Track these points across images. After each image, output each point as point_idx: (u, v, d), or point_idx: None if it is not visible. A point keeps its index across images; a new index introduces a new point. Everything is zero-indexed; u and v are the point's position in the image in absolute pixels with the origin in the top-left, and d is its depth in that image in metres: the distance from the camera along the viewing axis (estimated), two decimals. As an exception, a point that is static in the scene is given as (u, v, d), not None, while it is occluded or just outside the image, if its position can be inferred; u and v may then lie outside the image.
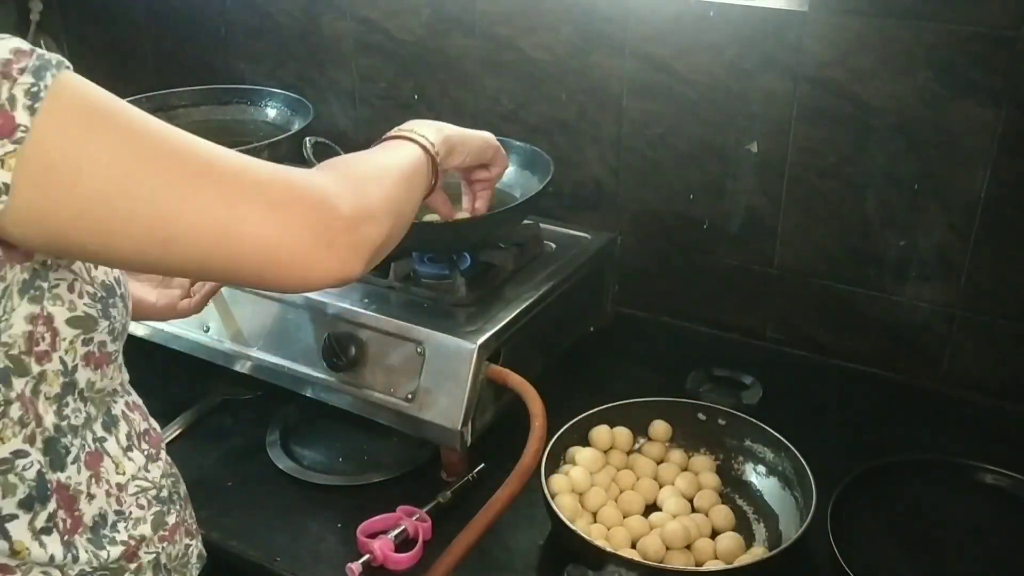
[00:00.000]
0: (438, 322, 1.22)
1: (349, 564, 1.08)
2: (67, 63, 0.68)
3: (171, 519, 0.91)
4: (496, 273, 1.33)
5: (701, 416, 1.25)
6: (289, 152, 1.57)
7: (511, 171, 1.46)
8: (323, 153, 1.48)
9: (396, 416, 1.22)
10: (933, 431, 1.31)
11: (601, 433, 1.22)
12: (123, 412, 0.87)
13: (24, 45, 0.66)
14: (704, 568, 1.06)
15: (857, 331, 1.44)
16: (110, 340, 0.80)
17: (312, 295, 1.28)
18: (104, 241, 0.67)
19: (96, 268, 0.79)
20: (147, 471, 0.88)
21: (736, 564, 1.05)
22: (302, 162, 1.49)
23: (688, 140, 1.45)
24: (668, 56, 1.41)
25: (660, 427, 1.25)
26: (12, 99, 0.63)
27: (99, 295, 0.78)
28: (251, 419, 1.35)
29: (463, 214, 1.37)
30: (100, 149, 0.66)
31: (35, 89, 0.64)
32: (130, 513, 0.85)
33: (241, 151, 1.60)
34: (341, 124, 1.77)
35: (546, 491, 1.10)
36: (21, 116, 0.63)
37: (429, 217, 1.38)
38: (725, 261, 1.50)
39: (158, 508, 0.89)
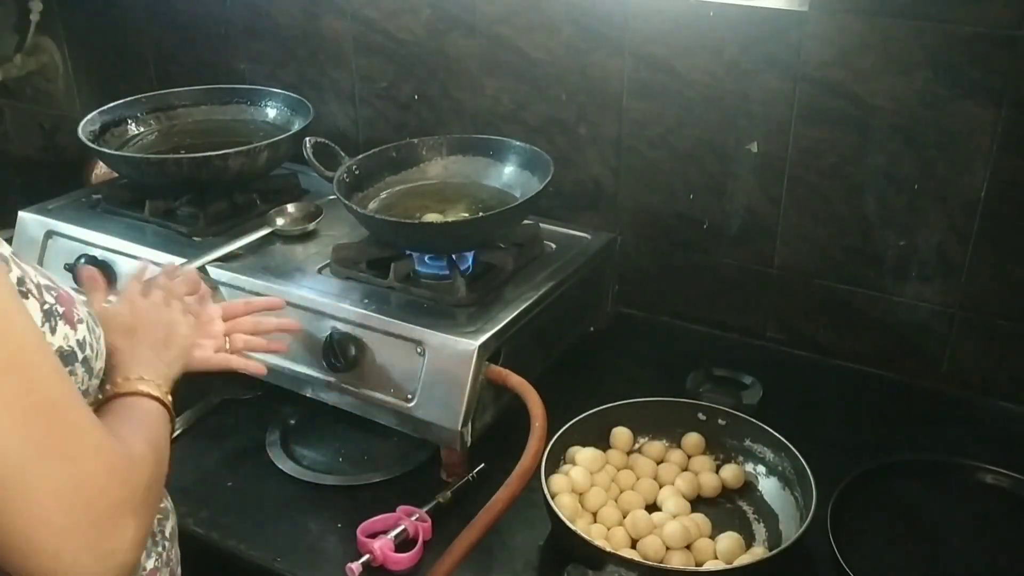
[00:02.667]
0: (438, 322, 1.22)
1: (349, 564, 1.08)
2: None
3: (149, 563, 0.87)
4: (496, 273, 1.33)
5: (701, 416, 1.25)
6: (289, 152, 1.58)
7: (511, 171, 1.46)
8: (323, 153, 1.48)
9: (396, 416, 1.22)
10: (933, 431, 1.31)
11: (619, 435, 1.23)
12: None
13: None
14: (704, 568, 1.06)
15: (857, 331, 1.44)
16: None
17: (313, 295, 1.28)
18: None
19: (53, 335, 0.75)
20: None
21: (736, 564, 1.05)
22: (302, 162, 1.50)
23: (688, 140, 1.45)
24: (668, 56, 1.41)
25: (692, 438, 1.24)
26: None
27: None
28: (251, 419, 1.35)
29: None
30: None
31: None
32: None
33: (241, 151, 1.60)
34: (341, 124, 1.77)
35: (546, 491, 1.10)
36: None
37: (429, 217, 1.38)
38: (725, 261, 1.50)
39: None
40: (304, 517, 1.19)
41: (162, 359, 0.95)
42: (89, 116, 1.62)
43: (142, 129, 1.69)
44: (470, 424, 1.18)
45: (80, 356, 0.78)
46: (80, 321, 0.78)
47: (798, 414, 1.32)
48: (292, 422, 1.35)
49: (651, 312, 1.59)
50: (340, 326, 1.24)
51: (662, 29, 1.40)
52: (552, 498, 1.10)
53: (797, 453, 1.14)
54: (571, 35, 1.47)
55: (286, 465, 1.26)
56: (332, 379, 1.25)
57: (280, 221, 1.49)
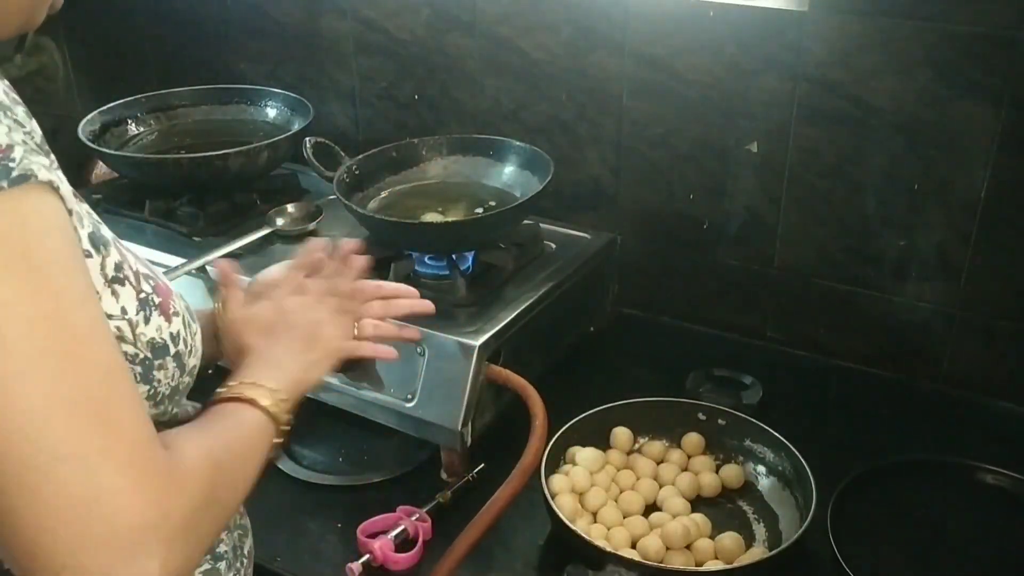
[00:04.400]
0: (438, 322, 1.21)
1: (349, 564, 1.08)
2: (45, 180, 0.59)
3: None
4: (496, 273, 1.33)
5: (701, 416, 1.25)
6: (289, 152, 1.58)
7: (511, 171, 1.46)
8: (323, 153, 1.48)
9: (396, 416, 1.22)
10: (933, 431, 1.31)
11: (619, 435, 1.23)
12: None
13: (5, 136, 0.58)
14: (704, 568, 1.06)
15: (857, 331, 1.44)
16: (150, 405, 0.73)
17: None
18: None
19: (147, 324, 0.71)
20: None
21: (736, 564, 1.05)
22: (302, 162, 1.50)
23: (688, 140, 1.45)
24: (668, 56, 1.41)
25: (692, 438, 1.24)
26: None
27: (141, 357, 0.71)
28: (251, 419, 1.35)
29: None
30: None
31: None
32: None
33: (241, 151, 1.60)
34: (341, 124, 1.77)
35: (546, 491, 1.10)
36: None
37: (429, 217, 1.38)
38: (725, 261, 1.50)
39: (209, 565, 0.81)
40: (304, 517, 1.19)
41: (298, 363, 0.87)
42: (89, 116, 1.63)
43: (142, 129, 1.69)
44: (470, 424, 1.18)
45: (172, 350, 0.74)
46: (176, 314, 0.75)
47: (798, 414, 1.32)
48: (292, 422, 1.34)
49: (651, 312, 1.59)
50: (340, 326, 1.24)
51: (662, 29, 1.40)
52: (552, 498, 1.10)
53: (797, 453, 1.14)
54: (571, 35, 1.47)
55: (286, 465, 1.26)
56: (332, 379, 1.25)
57: (280, 221, 1.49)
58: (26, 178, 0.58)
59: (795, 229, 1.42)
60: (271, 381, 0.82)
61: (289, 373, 0.85)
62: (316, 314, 0.94)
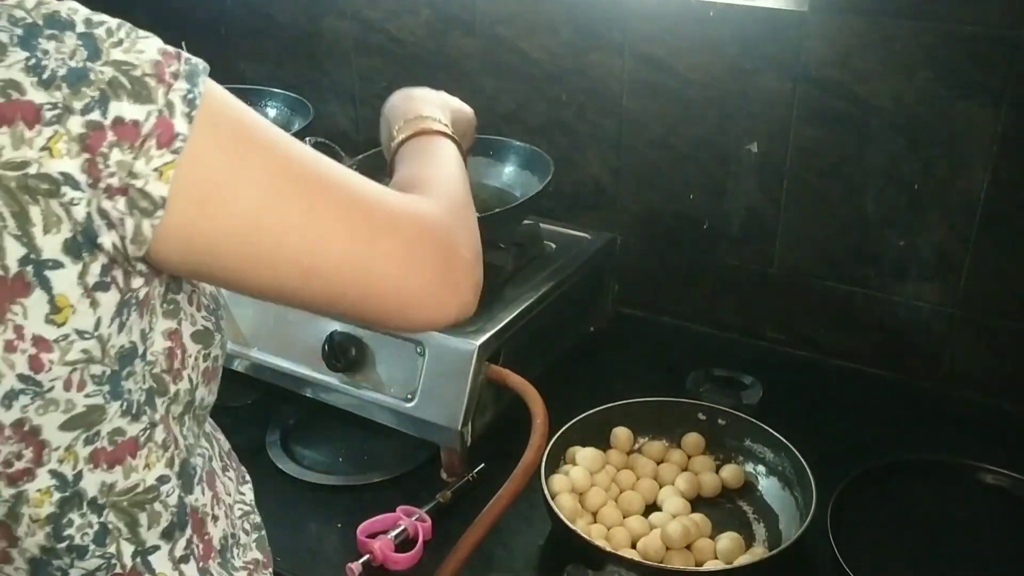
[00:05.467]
0: (438, 322, 1.22)
1: (349, 564, 1.08)
2: (208, 67, 0.65)
3: (267, 544, 0.88)
4: (496, 273, 1.33)
5: (701, 416, 1.25)
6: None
7: (511, 171, 1.46)
8: (323, 153, 1.48)
9: (396, 416, 1.22)
10: (933, 431, 1.31)
11: (619, 435, 1.23)
12: (211, 430, 0.84)
13: (168, 46, 0.63)
14: (704, 568, 1.06)
15: (857, 331, 1.44)
16: (221, 354, 0.77)
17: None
18: (247, 266, 0.65)
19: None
20: (242, 493, 0.86)
21: (736, 564, 1.05)
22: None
23: (688, 140, 1.45)
24: (668, 56, 1.41)
25: (692, 438, 1.24)
26: (170, 105, 0.60)
27: (212, 307, 0.75)
28: (251, 419, 1.35)
29: None
30: (253, 166, 0.63)
31: (191, 95, 0.61)
32: (239, 538, 0.83)
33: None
34: (341, 124, 1.77)
35: (546, 491, 1.10)
36: (180, 124, 0.60)
37: (429, 217, 1.38)
38: (725, 261, 1.50)
39: (258, 534, 0.87)
40: (304, 517, 1.19)
41: (447, 111, 0.97)
42: (89, 116, 1.62)
43: (142, 129, 1.69)
44: (470, 424, 1.18)
45: (222, 302, 0.79)
46: None
47: (798, 414, 1.32)
48: (292, 422, 1.35)
49: (651, 312, 1.59)
50: (340, 326, 1.24)
51: (662, 29, 1.40)
52: (552, 498, 1.10)
53: (797, 453, 1.14)
54: (571, 35, 1.47)
55: (286, 465, 1.26)
56: (332, 379, 1.25)
57: (280, 221, 1.49)
58: (207, 70, 0.65)
59: (795, 229, 1.42)
60: (435, 113, 0.93)
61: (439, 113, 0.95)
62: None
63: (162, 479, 0.71)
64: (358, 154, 1.48)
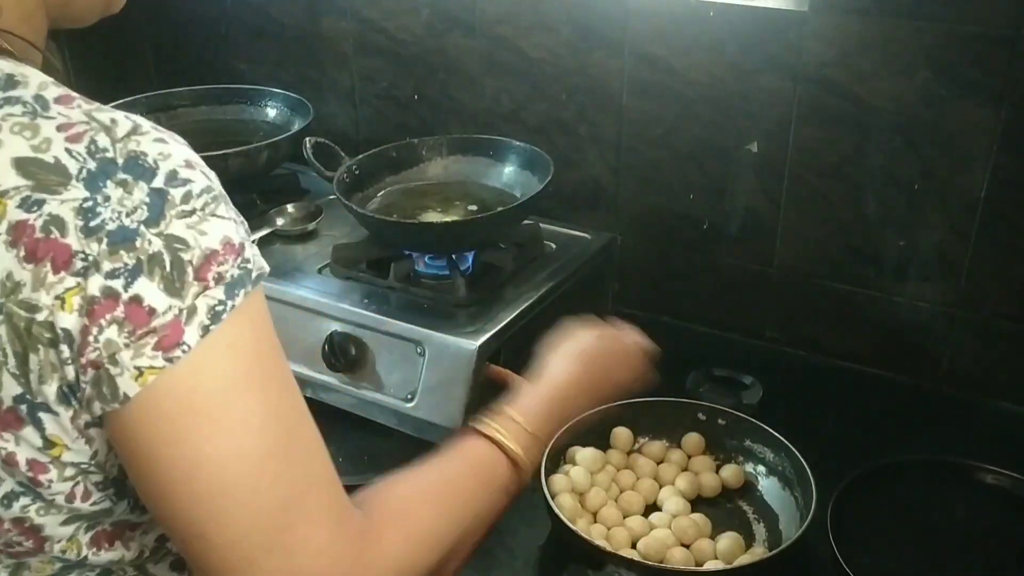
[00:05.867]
0: (438, 322, 1.22)
1: (349, 564, 1.08)
2: (266, 271, 0.61)
3: None
4: (496, 273, 1.33)
5: (701, 416, 1.25)
6: (289, 152, 1.58)
7: (511, 171, 1.47)
8: (323, 153, 1.48)
9: (396, 416, 1.22)
10: (933, 431, 1.31)
11: (619, 435, 1.23)
12: None
13: (236, 235, 0.58)
14: (704, 568, 1.06)
15: (857, 331, 1.44)
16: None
17: (313, 295, 1.28)
18: (165, 491, 0.59)
19: None
20: None
21: (736, 564, 1.05)
22: (302, 162, 1.50)
23: (688, 140, 1.45)
24: (668, 56, 1.41)
25: (692, 438, 1.24)
26: (192, 310, 0.56)
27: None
28: (251, 419, 1.35)
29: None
30: (240, 413, 0.59)
31: (220, 308, 0.57)
32: None
33: (241, 151, 1.60)
34: (341, 124, 1.77)
35: (546, 491, 1.10)
36: (190, 334, 0.55)
37: (429, 217, 1.39)
38: (725, 261, 1.50)
39: None
40: (304, 517, 1.19)
41: (592, 398, 0.88)
42: (89, 116, 1.62)
43: (142, 129, 1.69)
44: (470, 424, 1.18)
45: None
46: None
47: (798, 414, 1.32)
48: (292, 422, 1.34)
49: (651, 312, 1.59)
50: (340, 326, 1.24)
51: (662, 29, 1.40)
52: (552, 498, 1.10)
53: (797, 453, 1.14)
54: (571, 35, 1.47)
55: (286, 465, 1.26)
56: (332, 379, 1.25)
57: (280, 221, 1.49)
58: (261, 277, 0.60)
59: (795, 229, 1.42)
60: (534, 418, 0.81)
61: (572, 410, 0.85)
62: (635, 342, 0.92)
63: (164, 537, 0.69)
64: (357, 154, 1.49)
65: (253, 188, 1.57)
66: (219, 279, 0.56)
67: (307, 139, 1.48)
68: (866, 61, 1.27)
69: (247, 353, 0.60)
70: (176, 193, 0.57)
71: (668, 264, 1.55)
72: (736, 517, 1.17)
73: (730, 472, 1.20)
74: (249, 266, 0.59)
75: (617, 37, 1.44)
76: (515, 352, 1.24)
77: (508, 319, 1.24)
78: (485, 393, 1.19)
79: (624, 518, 1.14)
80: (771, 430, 1.19)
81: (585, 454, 1.19)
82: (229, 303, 0.57)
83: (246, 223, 0.63)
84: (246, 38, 1.82)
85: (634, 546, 1.10)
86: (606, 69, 1.47)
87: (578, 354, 0.93)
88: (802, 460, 1.13)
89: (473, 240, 1.34)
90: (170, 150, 0.58)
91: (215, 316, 0.56)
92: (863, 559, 1.04)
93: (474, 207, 1.41)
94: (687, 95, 1.42)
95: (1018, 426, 1.33)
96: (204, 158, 1.64)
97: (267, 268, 0.61)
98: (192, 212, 0.57)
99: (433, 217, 1.38)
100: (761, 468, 1.20)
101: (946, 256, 1.33)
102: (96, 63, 2.07)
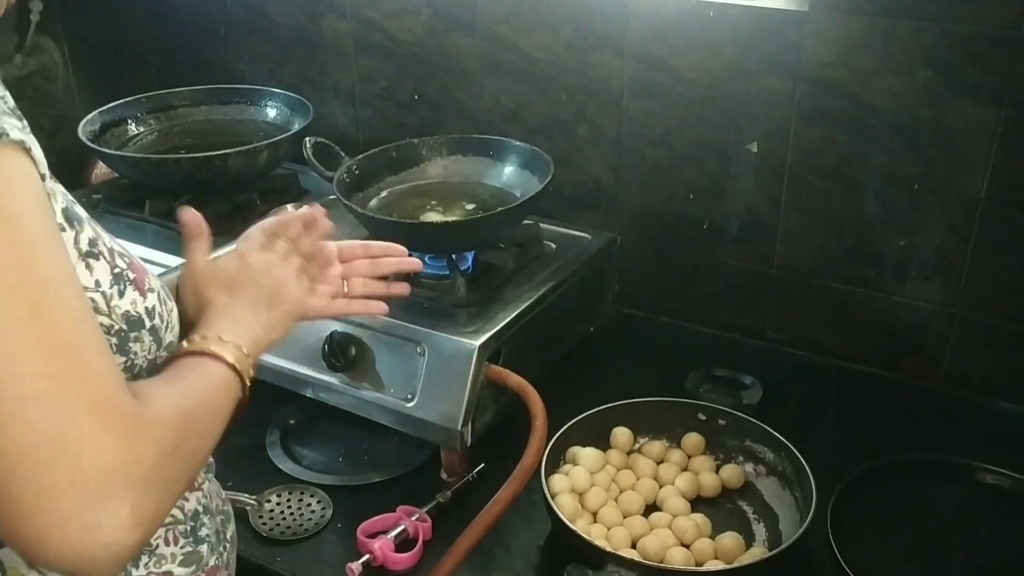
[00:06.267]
0: (438, 322, 1.22)
1: (349, 564, 1.08)
2: (16, 140, 0.60)
3: (211, 560, 0.84)
4: (496, 273, 1.33)
5: (701, 416, 1.25)
6: (289, 152, 1.58)
7: (511, 171, 1.46)
8: (323, 153, 1.48)
9: (396, 416, 1.22)
10: (933, 431, 1.31)
11: (619, 435, 1.23)
12: None
13: None
14: (704, 568, 1.06)
15: (857, 331, 1.44)
16: (128, 378, 0.72)
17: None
18: None
19: (121, 297, 0.72)
20: (184, 499, 0.81)
21: (736, 564, 1.05)
22: (302, 162, 1.50)
23: (688, 140, 1.45)
24: (668, 56, 1.41)
25: (692, 438, 1.24)
26: None
27: (116, 328, 0.72)
28: (251, 419, 1.35)
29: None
30: None
31: None
32: (156, 547, 0.79)
33: (241, 151, 1.60)
34: (341, 124, 1.77)
35: (546, 491, 1.10)
36: None
37: (429, 217, 1.39)
38: (725, 261, 1.50)
39: (191, 548, 0.82)
40: (304, 517, 1.19)
41: (259, 321, 0.87)
42: (89, 116, 1.63)
43: (142, 129, 1.69)
44: (470, 424, 1.18)
45: (148, 324, 0.75)
46: (151, 290, 0.76)
47: (798, 414, 1.32)
48: (292, 422, 1.35)
49: (651, 312, 1.59)
50: (340, 326, 1.24)
51: (662, 29, 1.40)
52: (552, 498, 1.10)
53: (797, 453, 1.14)
54: (571, 35, 1.47)
55: (286, 465, 1.26)
56: (332, 379, 1.25)
57: (280, 221, 1.49)
58: (6, 138, 0.59)
59: (795, 229, 1.42)
60: (235, 337, 0.82)
61: (251, 331, 0.85)
62: (279, 273, 0.93)
63: None
64: (357, 154, 1.49)
65: (253, 188, 1.57)
66: None
67: (307, 139, 1.48)
68: (866, 61, 1.27)
69: None
70: None
71: (668, 264, 1.55)
72: (736, 517, 1.17)
73: (730, 472, 1.20)
74: None
75: (617, 37, 1.44)
76: (515, 352, 1.24)
77: (508, 319, 1.24)
78: (485, 393, 1.19)
79: (624, 518, 1.14)
80: (771, 430, 1.19)
81: (585, 454, 1.19)
82: None
83: (7, 103, 0.64)
84: (246, 38, 1.82)
85: (634, 546, 1.10)
86: (606, 69, 1.47)
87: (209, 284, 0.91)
88: (802, 460, 1.13)
89: (473, 240, 1.34)
90: None
91: None
92: (863, 559, 1.04)
93: (474, 207, 1.41)
94: (687, 95, 1.42)
95: (1018, 426, 1.33)
96: (204, 158, 1.64)
97: (18, 137, 0.60)
98: None
99: (433, 217, 1.38)
100: (761, 468, 1.20)
101: (946, 256, 1.33)
102: (96, 63, 2.07)
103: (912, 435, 1.30)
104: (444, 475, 1.23)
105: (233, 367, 0.80)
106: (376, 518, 1.14)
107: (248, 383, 0.82)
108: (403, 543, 1.12)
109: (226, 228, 1.48)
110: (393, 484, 1.23)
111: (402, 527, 1.12)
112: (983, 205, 1.27)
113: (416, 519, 1.13)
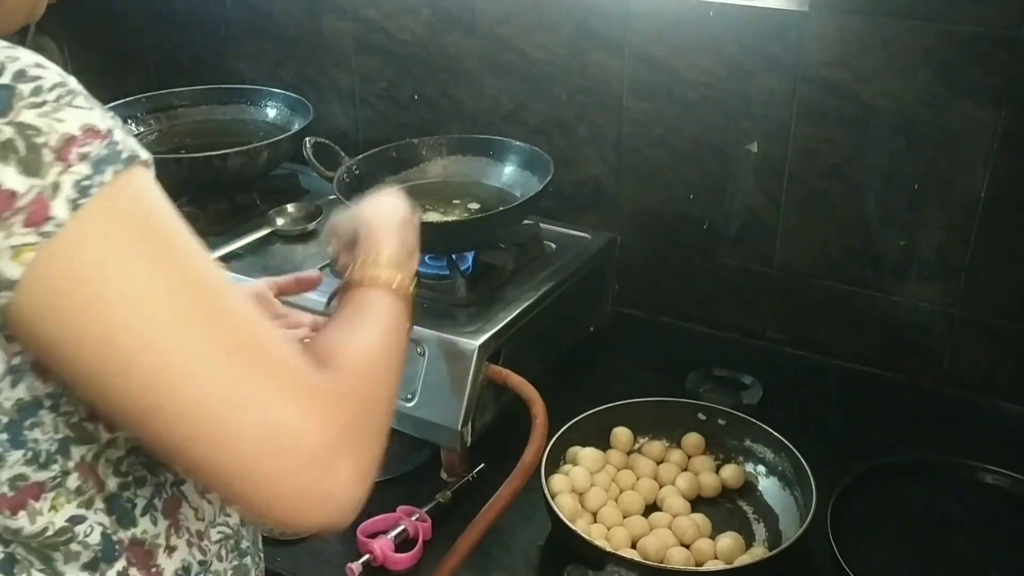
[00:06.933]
0: (438, 322, 1.22)
1: (349, 564, 1.08)
2: (145, 158, 0.61)
3: (253, 571, 0.85)
4: (496, 273, 1.33)
5: (701, 416, 1.25)
6: (289, 152, 1.58)
7: (511, 171, 1.46)
8: (323, 153, 1.48)
9: (396, 416, 1.21)
10: (933, 431, 1.31)
11: (619, 435, 1.23)
12: None
13: (101, 122, 0.59)
14: (704, 568, 1.06)
15: (857, 331, 1.44)
16: None
17: (313, 295, 1.28)
18: (96, 373, 0.58)
19: None
20: (227, 515, 0.81)
21: (736, 564, 1.05)
22: (302, 162, 1.50)
23: (688, 140, 1.45)
24: (668, 56, 1.41)
25: (692, 438, 1.24)
26: (56, 187, 0.55)
27: None
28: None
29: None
30: (138, 281, 0.58)
31: (87, 183, 0.56)
32: (210, 564, 0.78)
33: (241, 151, 1.60)
34: (341, 124, 1.77)
35: (546, 491, 1.10)
36: (58, 208, 0.55)
37: (429, 217, 1.38)
38: (725, 261, 1.50)
39: (238, 560, 0.82)
40: (304, 517, 1.19)
41: (407, 248, 0.87)
42: (89, 116, 1.62)
43: (142, 129, 1.69)
44: (470, 424, 1.18)
45: None
46: None
47: (798, 414, 1.32)
48: (292, 422, 1.34)
49: (651, 312, 1.59)
50: (340, 326, 1.24)
51: (662, 29, 1.40)
52: (552, 498, 1.10)
53: (797, 453, 1.14)
54: (571, 35, 1.47)
55: (286, 465, 1.26)
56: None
57: (280, 221, 1.49)
58: (133, 159, 0.60)
59: (795, 229, 1.42)
60: (392, 265, 0.83)
61: (403, 258, 0.86)
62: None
63: (75, 519, 0.67)
64: (357, 154, 1.49)
65: (253, 188, 1.57)
66: (83, 158, 0.56)
67: (307, 139, 1.48)
68: (866, 61, 1.27)
69: (131, 226, 0.59)
70: (25, 88, 0.57)
71: (668, 264, 1.55)
72: (736, 517, 1.17)
73: (730, 472, 1.20)
74: (118, 147, 0.59)
75: (617, 37, 1.44)
76: (515, 352, 1.24)
77: (508, 319, 1.24)
78: (485, 393, 1.19)
79: (624, 518, 1.14)
80: (771, 430, 1.19)
81: (585, 454, 1.19)
82: (97, 178, 0.56)
83: (118, 119, 0.64)
84: (246, 38, 1.82)
85: (634, 546, 1.10)
86: (606, 69, 1.47)
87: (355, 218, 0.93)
88: (802, 460, 1.13)
89: (473, 240, 1.34)
90: (19, 54, 0.59)
91: (83, 191, 0.56)
92: (863, 559, 1.04)
93: (474, 207, 1.41)
94: (687, 95, 1.42)
95: (1018, 426, 1.33)
96: (204, 158, 1.64)
97: (145, 155, 0.61)
98: (43, 103, 0.57)
99: (433, 217, 1.38)
100: (761, 468, 1.21)
101: (946, 256, 1.33)
102: (96, 63, 2.07)
103: (912, 435, 1.30)
104: (444, 475, 1.23)
105: (401, 296, 0.81)
106: (376, 518, 1.14)
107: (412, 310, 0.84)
108: (403, 543, 1.12)
109: (226, 228, 1.48)
110: (393, 484, 1.23)
111: (402, 527, 1.12)
112: (983, 205, 1.27)
113: (416, 519, 1.13)
